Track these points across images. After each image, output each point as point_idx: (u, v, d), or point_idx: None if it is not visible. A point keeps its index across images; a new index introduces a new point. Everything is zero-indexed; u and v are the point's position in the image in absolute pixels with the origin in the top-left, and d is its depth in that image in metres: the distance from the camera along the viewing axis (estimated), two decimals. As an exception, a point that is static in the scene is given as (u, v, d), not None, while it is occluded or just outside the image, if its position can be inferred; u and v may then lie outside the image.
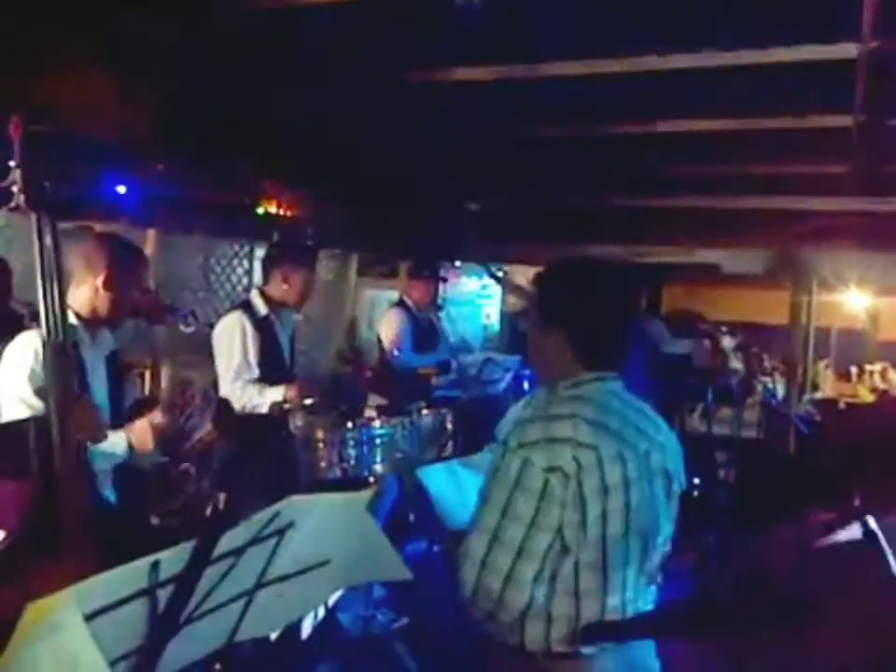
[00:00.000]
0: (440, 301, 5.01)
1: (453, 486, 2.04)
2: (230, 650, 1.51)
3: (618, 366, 1.80)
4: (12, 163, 1.80)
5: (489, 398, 4.55)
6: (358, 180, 5.88)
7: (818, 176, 5.52)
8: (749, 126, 4.84)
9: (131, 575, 1.07)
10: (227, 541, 1.23)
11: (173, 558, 1.13)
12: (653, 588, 1.81)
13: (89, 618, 0.99)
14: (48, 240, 1.84)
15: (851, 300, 6.97)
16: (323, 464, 3.10)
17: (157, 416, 2.40)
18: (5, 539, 1.86)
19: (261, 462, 3.20)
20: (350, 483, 3.22)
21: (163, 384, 3.34)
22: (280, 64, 4.12)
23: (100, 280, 2.45)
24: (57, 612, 0.95)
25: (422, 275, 4.80)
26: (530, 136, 5.31)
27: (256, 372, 3.47)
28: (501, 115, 4.93)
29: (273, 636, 2.39)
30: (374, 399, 4.62)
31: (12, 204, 1.80)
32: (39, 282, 1.80)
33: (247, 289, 6.48)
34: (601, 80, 4.05)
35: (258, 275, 6.66)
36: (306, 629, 2.59)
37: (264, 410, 3.36)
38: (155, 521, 3.74)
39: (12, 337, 3.84)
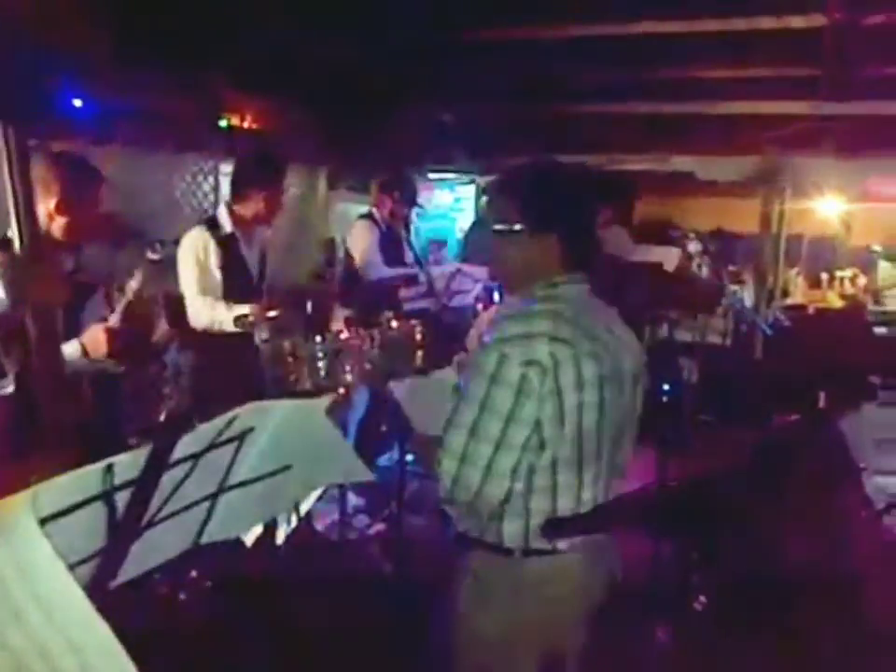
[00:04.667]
0: (412, 216, 4.94)
1: (421, 399, 2.07)
2: (201, 555, 1.54)
3: (589, 268, 1.82)
4: None
5: (458, 308, 4.58)
6: (325, 90, 5.74)
7: (791, 80, 5.46)
8: (722, 27, 4.74)
9: (85, 479, 1.08)
10: (185, 446, 1.24)
11: (129, 462, 1.14)
12: (620, 483, 1.87)
13: (44, 521, 1.00)
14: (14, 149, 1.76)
15: (824, 207, 6.99)
16: (293, 377, 3.11)
17: (112, 320, 2.36)
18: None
19: (227, 376, 3.20)
20: (320, 394, 3.24)
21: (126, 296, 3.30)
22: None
23: (52, 203, 2.36)
24: (9, 516, 0.95)
25: (391, 193, 4.73)
26: (494, 40, 5.19)
27: (219, 289, 3.44)
28: (464, 18, 4.81)
29: (249, 542, 2.44)
30: (341, 312, 4.62)
31: None
32: (10, 193, 1.74)
33: (214, 206, 6.37)
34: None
35: (224, 191, 6.55)
36: (281, 536, 2.64)
37: (231, 328, 3.35)
38: (133, 441, 3.77)
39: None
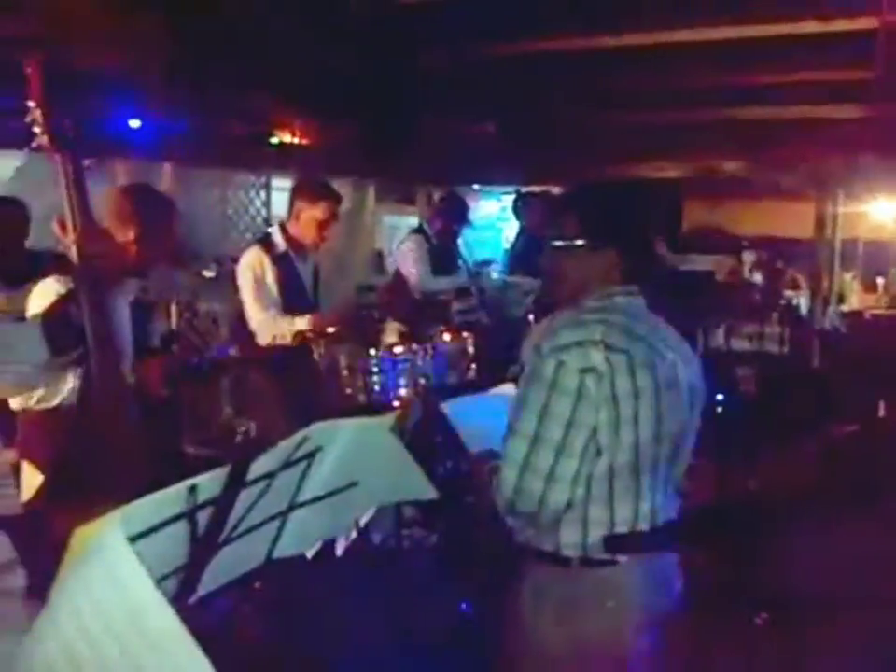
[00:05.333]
0: (461, 230, 4.97)
1: (478, 415, 2.08)
2: (268, 568, 1.58)
3: (645, 281, 1.83)
4: (31, 103, 1.78)
5: (510, 321, 4.58)
6: (372, 104, 5.81)
7: (843, 84, 5.37)
8: (773, 32, 4.69)
9: (170, 498, 1.13)
10: (259, 466, 1.29)
11: (209, 482, 1.18)
12: (678, 497, 1.86)
13: (133, 540, 1.04)
14: (73, 178, 1.82)
15: (878, 210, 6.85)
16: (348, 391, 3.16)
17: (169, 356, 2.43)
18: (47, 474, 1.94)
19: (288, 391, 3.27)
20: (375, 408, 3.29)
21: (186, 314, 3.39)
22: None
23: (130, 234, 2.43)
24: (102, 536, 1.00)
25: (444, 211, 4.79)
26: (540, 51, 5.20)
27: (278, 304, 3.52)
28: (506, 29, 4.83)
29: (309, 554, 2.49)
30: (392, 325, 4.67)
31: (34, 144, 1.80)
32: (69, 218, 1.80)
33: (266, 221, 6.49)
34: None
35: (275, 207, 6.67)
36: (340, 548, 2.68)
37: (287, 340, 3.41)
38: (190, 450, 3.86)
39: (29, 280, 3.89)
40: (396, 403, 3.28)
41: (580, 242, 1.78)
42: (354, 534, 2.92)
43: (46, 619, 1.04)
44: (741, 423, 4.21)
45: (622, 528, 1.71)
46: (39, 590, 1.50)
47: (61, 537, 1.49)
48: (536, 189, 6.72)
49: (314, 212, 3.51)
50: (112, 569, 1.00)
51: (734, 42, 4.80)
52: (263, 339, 3.49)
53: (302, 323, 3.41)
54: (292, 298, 3.55)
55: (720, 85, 5.60)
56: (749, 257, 5.60)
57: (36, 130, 1.81)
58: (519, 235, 6.01)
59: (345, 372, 3.15)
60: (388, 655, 2.99)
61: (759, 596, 2.22)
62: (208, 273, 5.22)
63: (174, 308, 4.82)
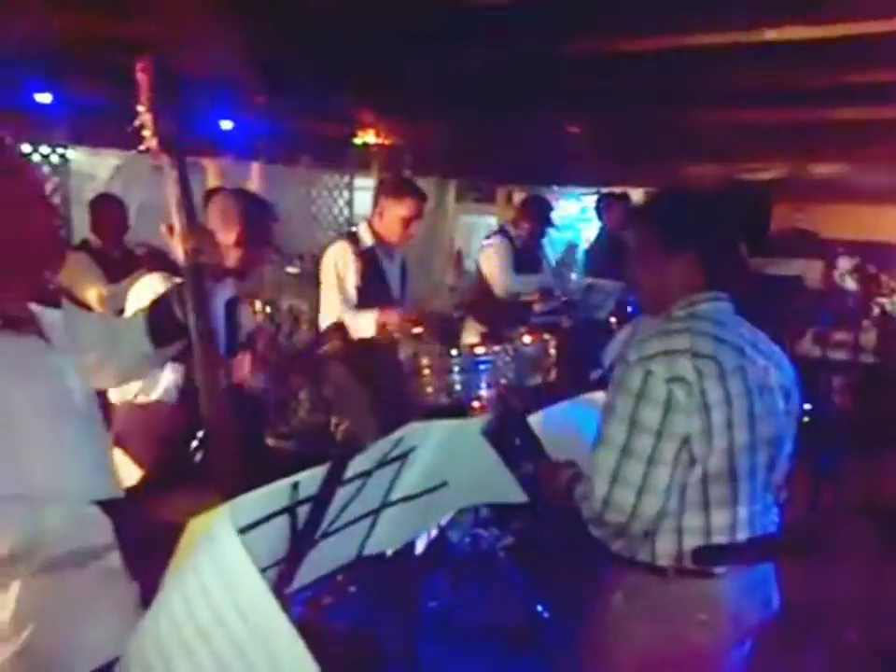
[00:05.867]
0: (545, 232, 4.95)
1: (565, 423, 2.08)
2: (356, 566, 1.62)
3: (731, 288, 1.81)
4: (140, 107, 1.83)
5: (592, 323, 4.54)
6: (454, 105, 5.84)
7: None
8: (862, 30, 4.52)
9: (275, 494, 1.17)
10: (356, 465, 1.32)
11: (310, 479, 1.22)
12: (776, 506, 1.83)
13: (240, 532, 1.08)
14: (179, 179, 1.87)
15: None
16: (429, 390, 3.19)
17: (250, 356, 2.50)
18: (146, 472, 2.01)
19: (370, 388, 3.32)
20: (455, 408, 3.31)
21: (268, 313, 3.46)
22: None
23: (232, 238, 2.51)
24: (213, 526, 1.05)
25: (529, 213, 4.78)
26: (622, 51, 5.13)
27: (354, 299, 3.56)
28: (590, 29, 4.78)
29: (390, 552, 2.53)
30: (473, 325, 4.68)
31: (142, 146, 1.84)
32: (176, 218, 1.85)
33: (348, 220, 6.61)
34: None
35: (358, 206, 6.79)
36: (420, 546, 2.71)
37: (363, 334, 3.46)
38: (271, 442, 3.96)
39: (128, 274, 4.04)
40: (476, 404, 3.30)
41: (657, 249, 1.78)
42: (434, 532, 2.96)
43: (158, 602, 1.09)
44: (833, 434, 4.07)
45: (718, 537, 1.69)
46: (133, 572, 1.59)
47: (161, 525, 1.57)
48: (617, 189, 6.65)
49: (398, 209, 3.54)
50: (221, 560, 1.04)
51: (827, 41, 4.64)
52: (357, 333, 3.51)
53: (371, 319, 3.44)
54: (373, 293, 3.58)
55: (813, 84, 5.42)
56: (841, 262, 5.40)
57: (145, 133, 1.85)
58: (600, 236, 5.96)
59: (427, 371, 3.18)
60: (464, 654, 3.01)
61: (851, 612, 2.16)
62: (292, 270, 5.34)
63: (258, 304, 4.96)
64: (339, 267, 3.58)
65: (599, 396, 2.08)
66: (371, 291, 3.60)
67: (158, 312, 1.86)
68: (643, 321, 3.18)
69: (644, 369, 1.64)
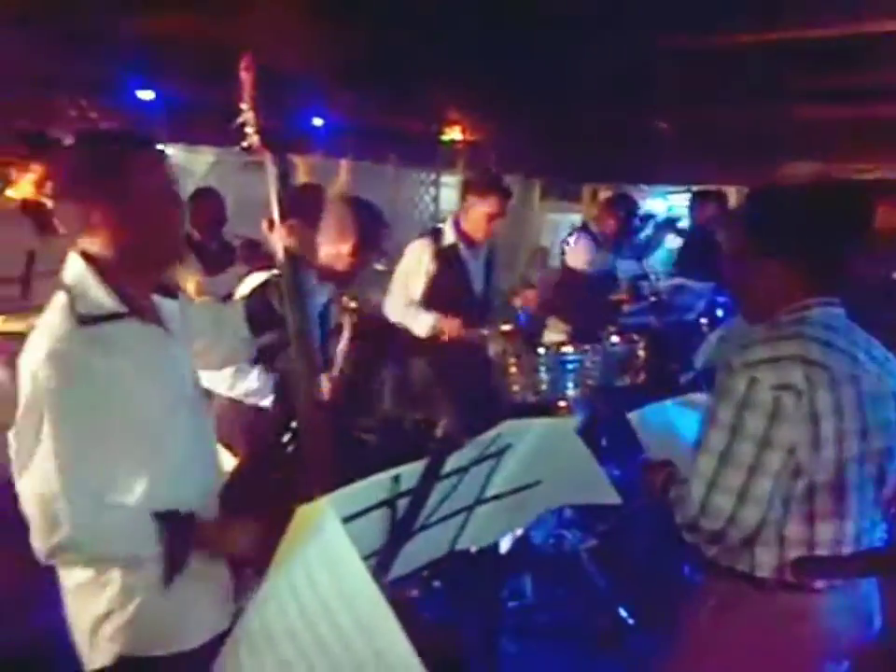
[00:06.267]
0: (631, 232, 4.88)
1: (664, 423, 2.05)
2: (443, 561, 1.62)
3: (840, 292, 1.73)
4: (243, 105, 1.87)
5: (682, 325, 4.44)
6: (541, 102, 5.80)
7: None
8: None
9: (377, 486, 1.19)
10: (454, 461, 1.32)
11: (410, 473, 1.23)
12: (885, 521, 1.76)
13: (343, 521, 1.10)
14: (281, 176, 1.90)
15: None
16: (515, 388, 3.18)
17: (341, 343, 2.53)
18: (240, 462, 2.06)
19: (455, 384, 3.33)
20: (541, 407, 3.29)
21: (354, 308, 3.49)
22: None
23: (347, 249, 2.53)
24: (319, 516, 1.07)
25: (616, 211, 4.71)
26: (714, 45, 4.98)
27: (415, 300, 3.58)
28: (683, 23, 4.66)
29: (474, 550, 2.54)
30: (555, 323, 4.64)
31: (245, 144, 1.89)
32: (276, 215, 1.88)
33: (434, 217, 6.65)
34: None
35: (444, 203, 6.83)
36: (504, 545, 2.71)
37: (417, 332, 3.48)
38: (357, 435, 4.01)
39: (224, 267, 4.14)
40: (561, 403, 3.27)
41: (756, 253, 1.71)
42: (518, 532, 2.95)
43: (265, 588, 1.12)
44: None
45: (822, 550, 1.63)
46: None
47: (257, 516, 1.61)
48: (708, 188, 6.49)
49: (483, 206, 3.53)
50: (327, 548, 1.06)
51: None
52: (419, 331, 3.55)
53: (429, 322, 3.46)
54: (447, 291, 3.56)
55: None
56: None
57: (248, 130, 1.89)
58: (691, 236, 5.82)
59: (514, 370, 3.17)
60: (545, 655, 3.00)
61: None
62: (378, 267, 5.39)
63: (344, 299, 5.02)
64: (411, 265, 3.60)
65: (699, 397, 2.04)
66: (445, 289, 3.59)
67: (256, 300, 1.92)
68: (737, 324, 3.10)
69: (749, 375, 1.59)
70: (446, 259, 3.61)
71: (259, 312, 1.91)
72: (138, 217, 1.55)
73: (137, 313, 1.59)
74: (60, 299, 1.54)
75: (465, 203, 3.64)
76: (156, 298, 1.69)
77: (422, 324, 3.51)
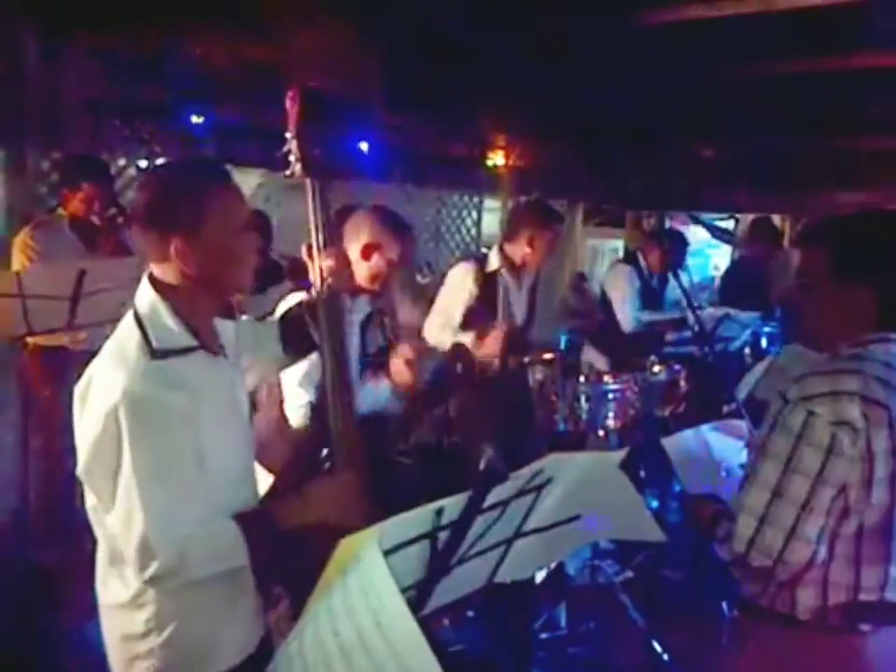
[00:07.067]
0: (678, 269, 4.80)
1: (700, 449, 2.02)
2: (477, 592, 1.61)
3: None
4: (288, 134, 1.90)
5: (725, 355, 4.36)
6: (587, 129, 5.80)
7: None
8: None
9: (420, 518, 1.19)
10: (496, 494, 1.31)
11: (453, 506, 1.23)
12: None
13: (385, 553, 1.10)
14: (321, 203, 1.93)
15: None
16: (555, 416, 3.16)
17: (404, 349, 2.48)
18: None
19: (495, 410, 3.31)
20: (579, 437, 3.26)
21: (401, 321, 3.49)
22: (505, 12, 4.11)
23: (356, 251, 2.50)
24: (361, 548, 1.07)
25: (659, 242, 4.65)
26: (767, 73, 4.94)
27: (455, 320, 3.56)
28: (736, 52, 4.63)
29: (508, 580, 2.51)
30: (593, 352, 4.59)
31: (289, 172, 1.92)
32: (315, 244, 1.91)
33: (476, 240, 6.68)
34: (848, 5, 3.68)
35: (486, 227, 6.85)
36: (539, 575, 2.68)
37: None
38: (392, 457, 4.01)
39: (269, 285, 4.18)
40: (601, 433, 3.24)
41: (831, 280, 1.66)
42: (554, 563, 2.92)
43: (305, 617, 1.12)
44: None
45: (867, 595, 1.59)
46: (259, 575, 1.64)
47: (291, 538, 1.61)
48: (754, 215, 6.41)
49: (543, 236, 3.52)
50: (368, 581, 1.06)
51: None
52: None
53: (465, 340, 3.45)
54: (483, 317, 3.54)
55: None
56: None
57: (291, 158, 1.92)
58: (736, 264, 5.75)
59: (553, 398, 3.15)
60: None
61: None
62: (422, 280, 5.38)
63: (386, 320, 5.05)
64: (452, 288, 3.60)
65: (736, 423, 2.00)
66: (484, 314, 3.56)
67: (289, 321, 1.95)
68: (784, 355, 3.04)
69: (806, 409, 1.55)
70: (488, 284, 3.59)
71: (292, 332, 1.93)
72: (213, 248, 1.57)
73: (205, 345, 1.62)
74: (131, 325, 1.56)
75: (516, 229, 3.60)
76: (216, 320, 1.71)
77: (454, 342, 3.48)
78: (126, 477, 1.46)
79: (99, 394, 1.49)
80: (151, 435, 1.47)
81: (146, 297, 1.59)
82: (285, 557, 1.58)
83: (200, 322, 1.62)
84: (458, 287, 3.60)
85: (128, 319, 1.58)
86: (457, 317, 3.58)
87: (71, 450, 1.56)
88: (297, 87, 1.92)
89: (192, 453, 1.52)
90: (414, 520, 1.18)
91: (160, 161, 4.78)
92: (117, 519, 1.49)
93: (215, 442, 1.57)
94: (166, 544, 1.46)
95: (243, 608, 1.68)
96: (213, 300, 1.66)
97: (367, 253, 2.51)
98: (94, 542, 1.65)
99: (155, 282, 1.60)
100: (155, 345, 1.52)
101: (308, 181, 1.92)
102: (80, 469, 1.52)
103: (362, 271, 2.52)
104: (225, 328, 1.73)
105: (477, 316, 3.58)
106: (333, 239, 1.95)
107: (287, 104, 1.91)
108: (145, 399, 1.46)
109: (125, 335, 1.56)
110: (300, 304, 1.98)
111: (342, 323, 1.93)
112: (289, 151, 1.91)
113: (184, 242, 1.55)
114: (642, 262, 4.70)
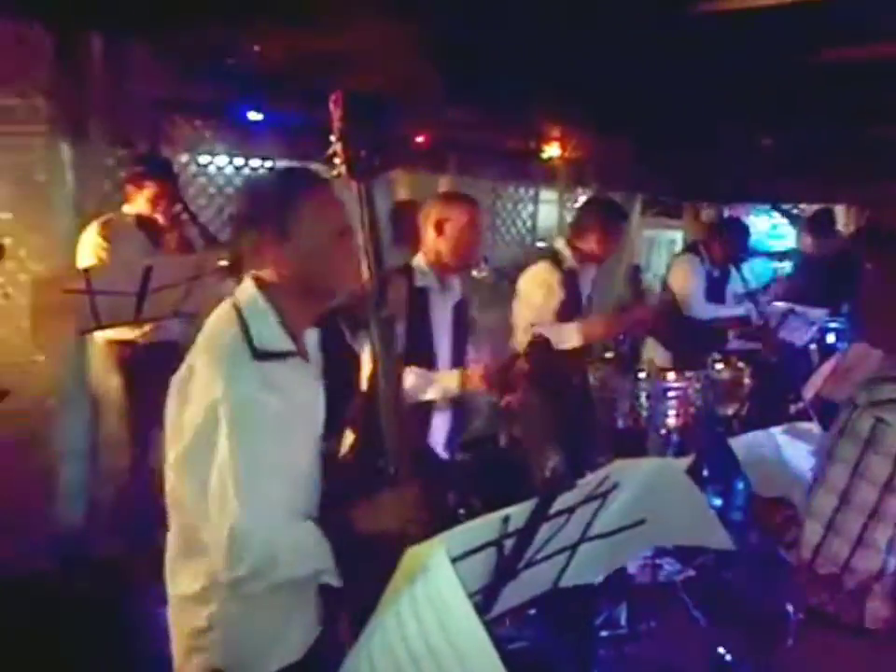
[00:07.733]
0: (741, 259, 4.67)
1: (770, 452, 1.97)
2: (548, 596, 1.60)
3: None
4: (332, 137, 1.89)
5: (790, 352, 4.25)
6: (644, 120, 5.70)
7: None
8: None
9: (487, 526, 1.19)
10: (561, 500, 1.31)
11: (519, 513, 1.22)
12: None
13: (453, 561, 1.10)
14: (366, 204, 1.91)
15: None
16: (615, 413, 3.12)
17: (486, 365, 2.57)
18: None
19: (555, 409, 3.28)
20: (639, 434, 3.23)
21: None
22: (561, 3, 4.05)
23: (461, 226, 2.63)
24: (429, 557, 1.07)
25: (723, 235, 4.54)
26: (821, 62, 4.78)
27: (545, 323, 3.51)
28: (790, 41, 4.49)
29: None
30: (654, 346, 4.50)
31: (334, 173, 1.91)
32: (362, 240, 1.89)
33: (531, 233, 6.63)
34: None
35: (542, 219, 6.79)
36: (600, 576, 2.65)
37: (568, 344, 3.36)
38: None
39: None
40: (662, 431, 3.19)
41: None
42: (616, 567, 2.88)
43: (373, 624, 1.13)
44: None
45: None
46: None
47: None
48: (816, 207, 6.24)
49: (612, 232, 3.49)
50: (436, 589, 1.06)
51: None
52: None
53: (572, 327, 3.36)
54: (570, 313, 3.50)
55: None
56: None
57: (336, 160, 1.91)
58: (801, 258, 5.59)
59: (613, 395, 3.11)
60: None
61: None
62: (478, 274, 5.31)
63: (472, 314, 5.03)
64: (545, 293, 3.49)
65: (806, 426, 1.96)
66: (565, 315, 3.49)
67: (328, 327, 1.95)
68: (853, 353, 2.95)
69: (874, 415, 1.52)
70: (567, 284, 3.52)
71: (331, 338, 1.93)
72: (308, 254, 1.59)
73: (301, 352, 1.64)
74: (229, 319, 1.57)
75: (587, 226, 3.55)
76: None
77: (568, 335, 3.38)
78: (224, 471, 1.47)
79: (201, 387, 1.51)
80: (249, 434, 1.49)
81: (249, 294, 1.61)
82: (357, 562, 1.58)
83: (298, 328, 1.65)
84: (547, 291, 3.49)
85: (225, 312, 1.60)
86: (551, 321, 3.49)
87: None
88: (340, 90, 1.91)
89: (281, 455, 1.54)
90: (481, 528, 1.18)
91: (220, 157, 4.85)
92: (212, 515, 1.49)
93: (303, 445, 1.60)
94: (257, 545, 1.48)
95: (301, 615, 1.69)
96: (313, 305, 1.68)
97: (440, 228, 2.63)
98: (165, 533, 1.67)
99: (261, 283, 1.62)
100: (257, 345, 1.54)
101: (353, 183, 1.91)
102: (172, 458, 1.54)
103: (442, 247, 2.65)
104: (311, 334, 1.74)
105: (561, 316, 3.49)
106: (380, 240, 1.94)
107: (331, 106, 1.90)
108: (246, 399, 1.49)
109: (222, 328, 1.58)
110: (337, 310, 1.98)
111: (386, 326, 1.91)
112: (334, 154, 1.90)
113: (278, 247, 1.58)
114: (703, 254, 4.59)
